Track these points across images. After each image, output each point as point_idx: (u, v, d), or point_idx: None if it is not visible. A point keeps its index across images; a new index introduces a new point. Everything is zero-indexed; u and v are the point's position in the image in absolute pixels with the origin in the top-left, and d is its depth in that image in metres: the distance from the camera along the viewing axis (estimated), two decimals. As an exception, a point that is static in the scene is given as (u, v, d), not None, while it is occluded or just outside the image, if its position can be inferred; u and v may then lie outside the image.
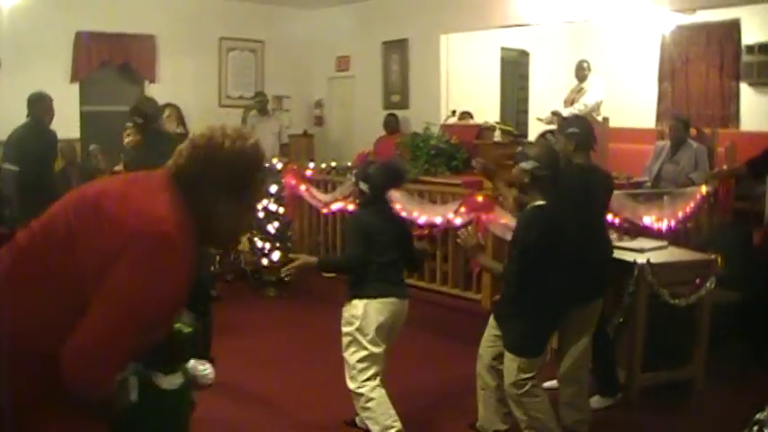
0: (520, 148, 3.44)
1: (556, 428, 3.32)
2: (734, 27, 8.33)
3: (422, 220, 5.25)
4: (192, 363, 2.28)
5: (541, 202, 3.17)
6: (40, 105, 5.63)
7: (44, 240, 1.70)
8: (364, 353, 3.40)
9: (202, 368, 2.36)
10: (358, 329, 3.40)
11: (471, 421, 3.65)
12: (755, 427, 2.07)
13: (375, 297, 3.40)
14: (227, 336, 4.66)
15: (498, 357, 3.38)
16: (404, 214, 4.74)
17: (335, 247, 6.35)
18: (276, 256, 6.28)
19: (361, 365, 3.40)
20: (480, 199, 4.88)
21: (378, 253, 3.44)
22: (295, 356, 4.93)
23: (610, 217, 4.51)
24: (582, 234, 3.39)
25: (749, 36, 8.23)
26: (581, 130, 3.69)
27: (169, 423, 2.22)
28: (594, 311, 3.62)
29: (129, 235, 1.61)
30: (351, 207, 5.68)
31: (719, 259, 4.18)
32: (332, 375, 3.80)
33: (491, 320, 3.47)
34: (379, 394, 3.37)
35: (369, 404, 3.36)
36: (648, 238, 4.66)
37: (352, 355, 3.44)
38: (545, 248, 3.11)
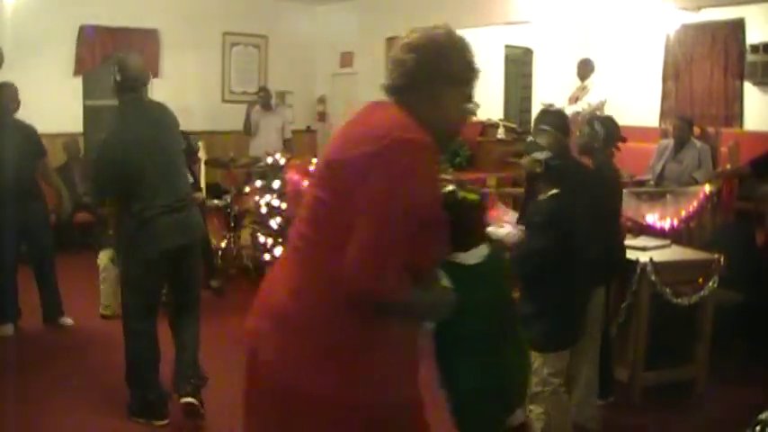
0: (530, 138, 3.35)
1: (571, 429, 3.29)
2: (738, 26, 8.31)
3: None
4: (488, 229, 2.20)
5: (556, 191, 3.08)
6: (3, 93, 4.95)
7: (307, 219, 1.74)
8: None
9: (500, 230, 2.26)
10: None
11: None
12: (758, 428, 2.06)
13: None
14: (229, 331, 4.66)
15: None
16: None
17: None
18: (278, 251, 6.27)
19: None
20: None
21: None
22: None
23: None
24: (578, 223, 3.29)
25: (754, 35, 8.21)
26: (553, 128, 3.47)
27: (492, 293, 2.15)
28: (596, 304, 3.54)
29: (382, 144, 1.60)
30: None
31: (722, 259, 4.18)
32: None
33: None
34: None
35: None
36: (651, 237, 4.65)
37: None
38: (568, 237, 3.02)
